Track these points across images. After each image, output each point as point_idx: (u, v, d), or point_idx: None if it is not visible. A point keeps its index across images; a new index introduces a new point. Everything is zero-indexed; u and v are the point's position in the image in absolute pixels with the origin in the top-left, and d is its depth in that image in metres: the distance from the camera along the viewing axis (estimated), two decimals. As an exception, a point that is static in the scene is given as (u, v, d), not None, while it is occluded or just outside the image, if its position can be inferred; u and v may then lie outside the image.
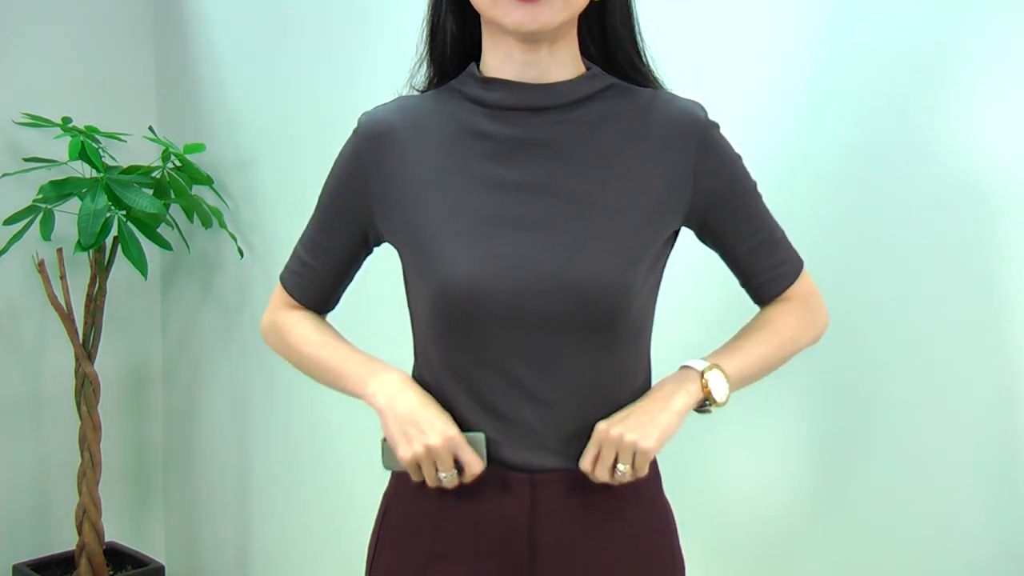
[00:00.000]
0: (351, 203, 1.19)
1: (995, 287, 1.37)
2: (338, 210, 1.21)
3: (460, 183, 1.12)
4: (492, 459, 1.12)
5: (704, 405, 1.15)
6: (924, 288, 1.43)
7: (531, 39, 1.09)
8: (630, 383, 1.16)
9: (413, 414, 1.11)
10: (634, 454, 1.09)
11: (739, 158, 1.19)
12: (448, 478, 1.10)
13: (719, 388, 1.14)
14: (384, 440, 1.14)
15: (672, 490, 1.23)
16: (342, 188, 1.20)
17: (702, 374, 1.13)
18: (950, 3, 1.38)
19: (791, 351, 1.23)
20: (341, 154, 1.21)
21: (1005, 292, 1.36)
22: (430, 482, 1.11)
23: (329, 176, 1.22)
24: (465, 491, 1.13)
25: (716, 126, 1.16)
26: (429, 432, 1.09)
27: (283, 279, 1.29)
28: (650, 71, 1.18)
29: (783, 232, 1.24)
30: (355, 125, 1.19)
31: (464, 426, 1.13)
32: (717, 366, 1.14)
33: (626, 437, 1.08)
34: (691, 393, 1.13)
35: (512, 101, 1.12)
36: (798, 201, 1.55)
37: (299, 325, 1.26)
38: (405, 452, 1.10)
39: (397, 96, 1.21)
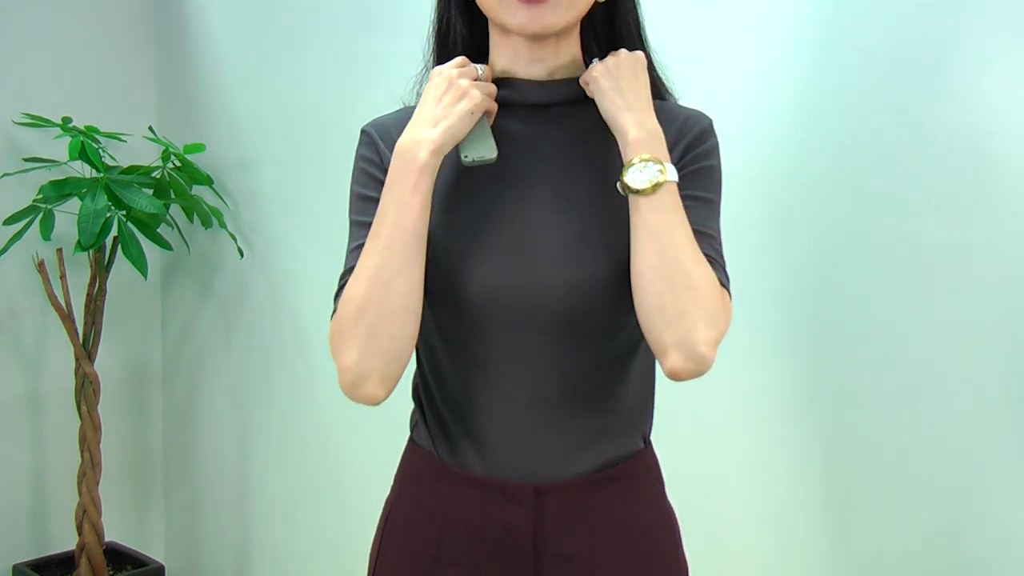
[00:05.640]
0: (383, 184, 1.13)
1: (995, 287, 1.37)
2: (375, 199, 1.12)
3: (467, 183, 1.12)
4: (496, 467, 1.12)
5: (634, 170, 1.04)
6: (923, 288, 1.43)
7: (537, 38, 1.09)
8: (635, 385, 1.16)
9: (435, 104, 1.07)
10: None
11: (718, 167, 1.14)
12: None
13: (652, 175, 1.03)
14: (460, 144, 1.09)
15: (673, 491, 1.23)
16: (370, 178, 1.14)
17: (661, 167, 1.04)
18: (950, 2, 1.38)
19: (683, 280, 1.03)
20: (356, 158, 1.16)
21: (1005, 291, 1.36)
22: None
23: (352, 183, 1.16)
24: (468, 500, 1.13)
25: (714, 131, 1.14)
26: (455, 93, 1.07)
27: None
28: (659, 78, 1.18)
29: (721, 252, 1.13)
30: (358, 129, 1.18)
31: (472, 432, 1.13)
32: (667, 184, 1.04)
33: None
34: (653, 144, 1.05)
35: (518, 98, 1.13)
36: (796, 201, 1.56)
37: (349, 287, 1.08)
38: (465, 105, 1.06)
39: (403, 106, 1.21)
